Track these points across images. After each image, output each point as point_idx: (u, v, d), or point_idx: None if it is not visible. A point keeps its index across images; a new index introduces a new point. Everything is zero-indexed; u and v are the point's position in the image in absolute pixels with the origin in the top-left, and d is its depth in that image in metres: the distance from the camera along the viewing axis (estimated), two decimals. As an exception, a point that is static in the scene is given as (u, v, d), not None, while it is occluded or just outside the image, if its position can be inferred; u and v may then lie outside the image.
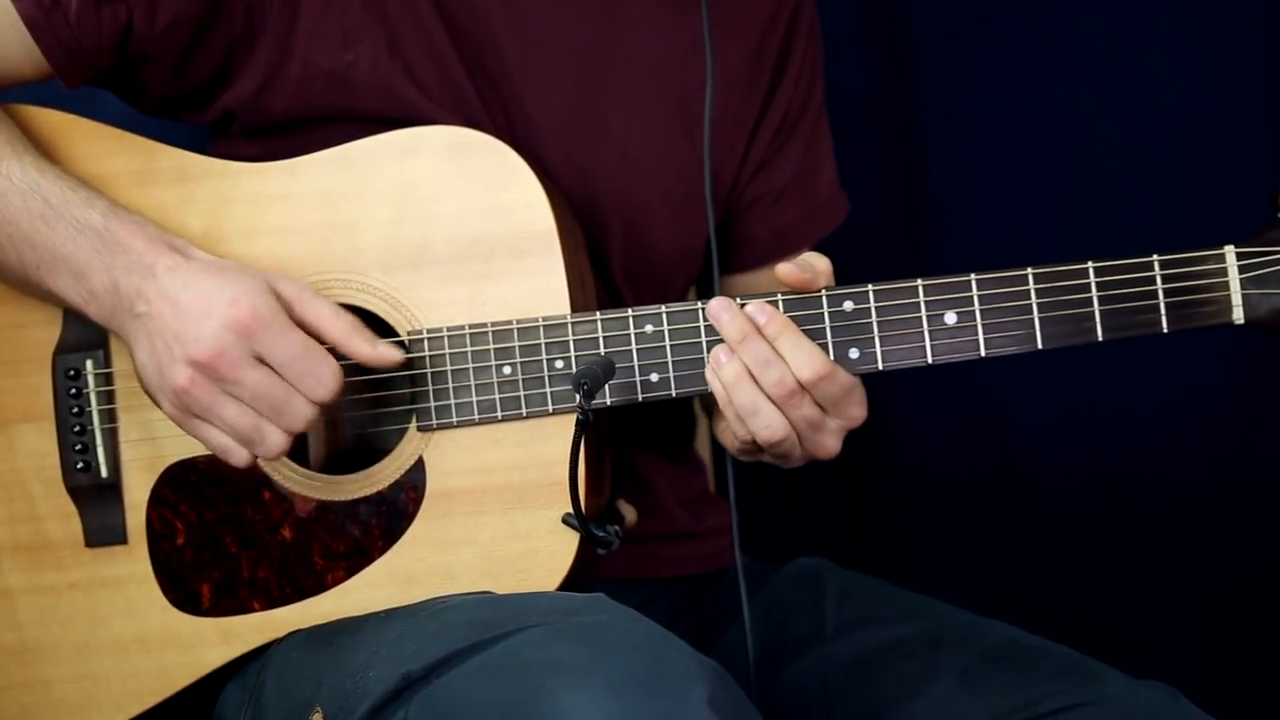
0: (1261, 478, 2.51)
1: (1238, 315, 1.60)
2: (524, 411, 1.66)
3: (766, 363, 1.61)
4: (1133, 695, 1.65)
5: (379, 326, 1.67)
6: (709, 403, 1.97)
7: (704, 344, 1.65)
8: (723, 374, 1.62)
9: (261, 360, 1.58)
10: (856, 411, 1.66)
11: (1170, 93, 2.48)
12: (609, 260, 1.83)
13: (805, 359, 1.61)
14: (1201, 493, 2.53)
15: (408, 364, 1.66)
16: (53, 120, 1.73)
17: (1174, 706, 1.65)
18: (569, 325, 1.65)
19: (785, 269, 1.63)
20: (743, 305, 1.63)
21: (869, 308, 1.63)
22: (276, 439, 1.60)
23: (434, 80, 1.74)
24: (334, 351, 1.62)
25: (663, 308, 1.65)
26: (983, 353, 1.62)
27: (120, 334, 1.65)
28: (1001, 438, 2.53)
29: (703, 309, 1.64)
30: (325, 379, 1.59)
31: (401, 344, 1.66)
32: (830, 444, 1.67)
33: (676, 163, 1.84)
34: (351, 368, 1.65)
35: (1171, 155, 2.47)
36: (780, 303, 1.64)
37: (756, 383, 1.62)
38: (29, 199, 1.63)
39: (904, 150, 2.51)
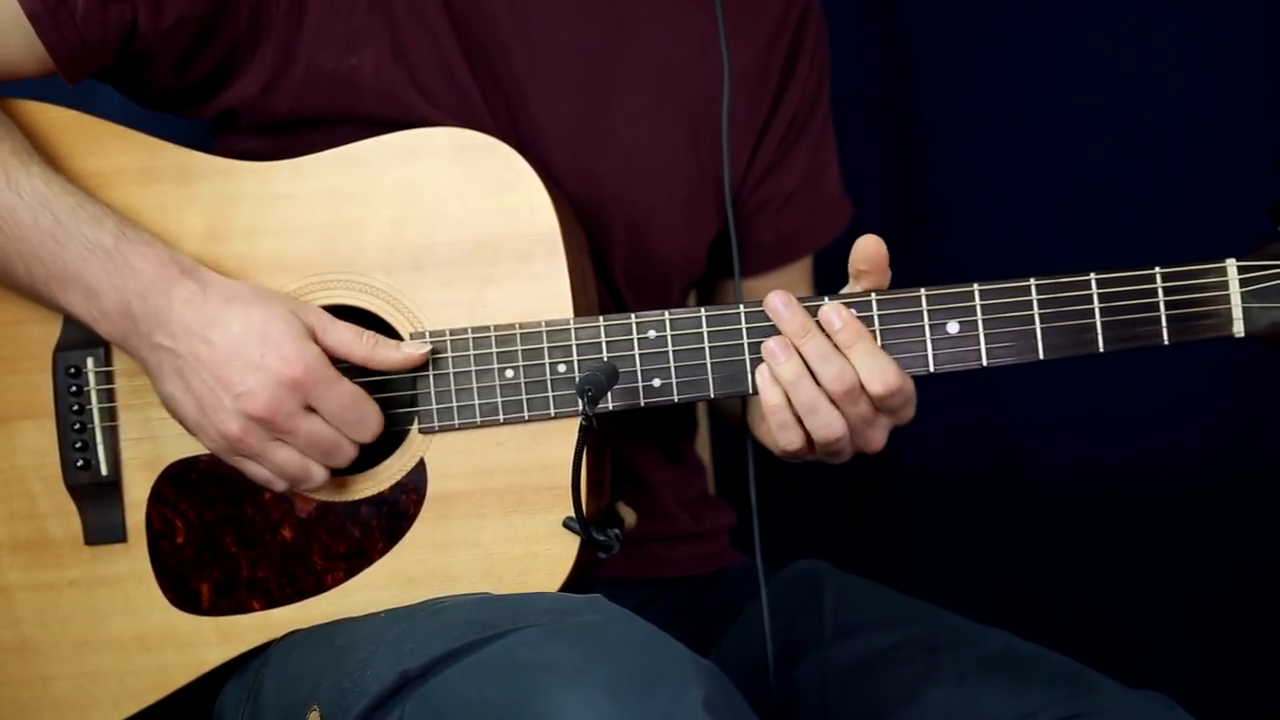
0: (1261, 480, 2.52)
1: (1238, 328, 1.61)
2: (526, 415, 1.66)
3: (825, 358, 1.60)
4: (1129, 706, 1.65)
5: (380, 327, 1.67)
6: (726, 403, 1.97)
7: (706, 350, 1.65)
8: (782, 371, 1.60)
9: (310, 409, 1.62)
10: (908, 412, 1.65)
11: (1170, 93, 2.48)
12: (611, 263, 1.83)
13: (879, 373, 1.60)
14: (1201, 495, 2.53)
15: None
16: (54, 116, 1.73)
17: (1170, 717, 1.65)
18: (572, 329, 1.65)
19: (868, 240, 1.62)
20: (820, 306, 1.62)
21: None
22: (321, 476, 1.65)
23: (438, 83, 1.74)
24: (340, 363, 1.64)
25: (665, 313, 1.65)
26: (984, 362, 1.62)
27: (135, 356, 1.65)
28: (1001, 439, 2.54)
29: (706, 315, 1.65)
30: (370, 423, 1.64)
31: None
32: (878, 439, 1.65)
33: (680, 167, 1.85)
34: (353, 368, 1.65)
35: (1171, 156, 2.47)
36: (875, 302, 1.63)
37: (815, 379, 1.61)
38: (38, 215, 1.63)
39: (904, 151, 2.51)
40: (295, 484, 1.65)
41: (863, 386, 1.60)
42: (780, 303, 1.62)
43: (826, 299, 1.63)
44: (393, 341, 1.65)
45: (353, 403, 1.63)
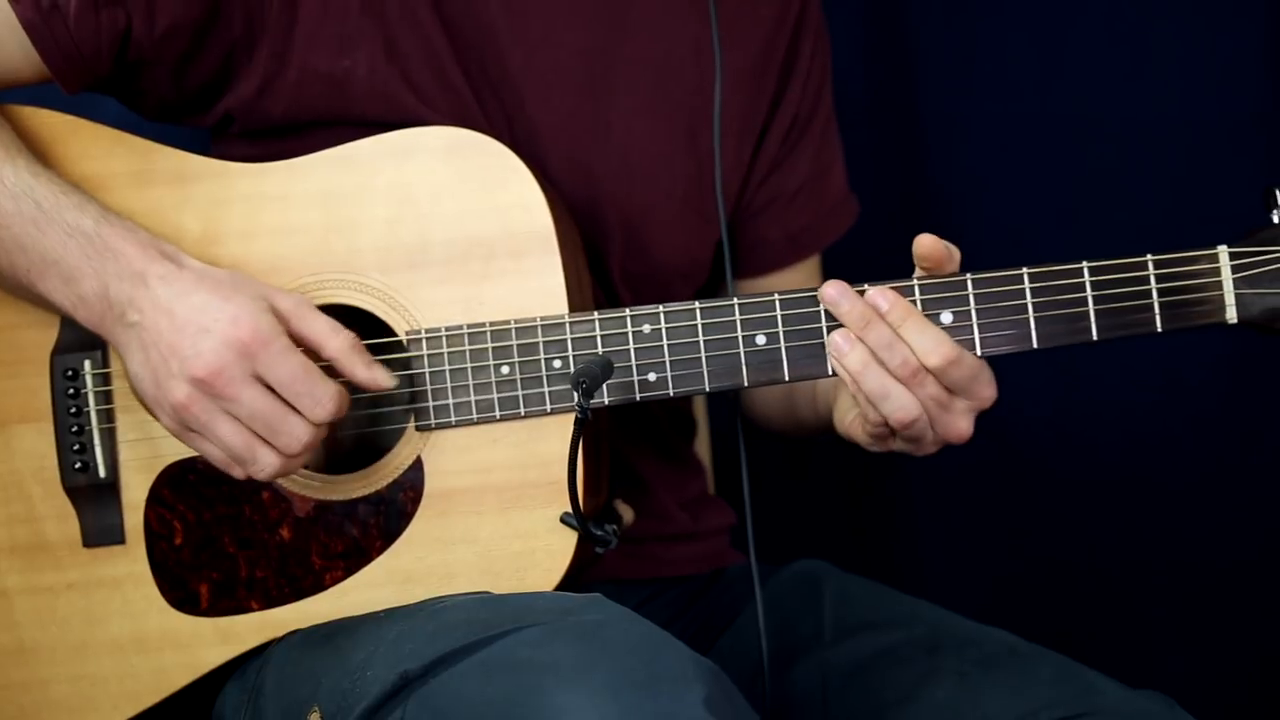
0: (1261, 477, 2.51)
1: (1231, 315, 1.61)
2: (522, 411, 1.66)
3: (889, 345, 1.59)
4: (1129, 705, 1.65)
5: (377, 326, 1.68)
6: (775, 398, 1.96)
7: (701, 343, 1.65)
8: (848, 361, 1.60)
9: (260, 380, 1.59)
10: (986, 392, 1.63)
11: (1170, 93, 2.48)
12: (609, 263, 1.83)
13: (932, 345, 1.59)
14: (1201, 492, 2.53)
15: (406, 364, 1.67)
16: (50, 121, 1.73)
17: (1170, 716, 1.65)
18: (567, 325, 1.65)
19: (926, 239, 1.62)
20: (862, 291, 1.62)
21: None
22: (269, 459, 1.60)
23: (432, 85, 1.74)
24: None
25: (660, 307, 1.65)
26: (978, 352, 1.62)
27: (111, 340, 1.64)
28: (1000, 437, 2.53)
29: (700, 309, 1.64)
30: (323, 400, 1.58)
31: (396, 355, 1.66)
32: (961, 425, 1.64)
33: (678, 166, 1.85)
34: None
35: (1170, 155, 2.47)
36: (916, 288, 1.62)
37: (883, 366, 1.60)
38: (21, 202, 1.63)
39: (904, 150, 2.52)
40: (243, 465, 1.60)
41: (921, 364, 1.59)
42: (837, 293, 1.62)
43: (819, 291, 1.63)
44: (369, 357, 1.63)
45: (304, 374, 1.58)
